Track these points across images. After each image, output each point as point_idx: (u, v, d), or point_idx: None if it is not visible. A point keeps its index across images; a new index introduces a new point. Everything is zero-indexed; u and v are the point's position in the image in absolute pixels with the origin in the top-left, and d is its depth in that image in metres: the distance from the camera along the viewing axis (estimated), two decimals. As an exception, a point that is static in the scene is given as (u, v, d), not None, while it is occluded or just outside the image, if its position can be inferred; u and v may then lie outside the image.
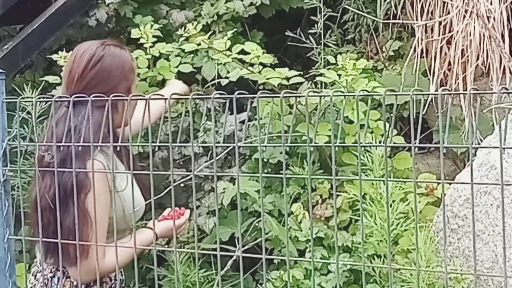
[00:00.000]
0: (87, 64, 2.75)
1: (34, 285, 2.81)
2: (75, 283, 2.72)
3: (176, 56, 4.00)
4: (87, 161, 2.51)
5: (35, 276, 2.83)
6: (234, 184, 3.49)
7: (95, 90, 2.58)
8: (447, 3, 3.92)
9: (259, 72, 3.64)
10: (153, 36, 3.95)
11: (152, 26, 3.97)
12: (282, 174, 2.19)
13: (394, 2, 4.13)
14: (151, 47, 3.90)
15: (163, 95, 2.26)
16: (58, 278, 2.72)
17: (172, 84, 3.69)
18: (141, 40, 3.93)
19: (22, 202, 2.41)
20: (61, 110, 2.69)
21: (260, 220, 3.39)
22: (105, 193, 2.59)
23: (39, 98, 2.41)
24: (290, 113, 3.51)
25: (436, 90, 3.77)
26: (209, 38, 3.79)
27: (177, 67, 3.92)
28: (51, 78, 3.75)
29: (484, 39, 3.76)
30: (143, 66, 3.88)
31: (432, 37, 3.96)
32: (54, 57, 3.82)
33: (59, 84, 3.71)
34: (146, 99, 2.21)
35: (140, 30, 3.95)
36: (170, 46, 3.97)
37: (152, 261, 2.37)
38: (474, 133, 1.88)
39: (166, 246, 3.40)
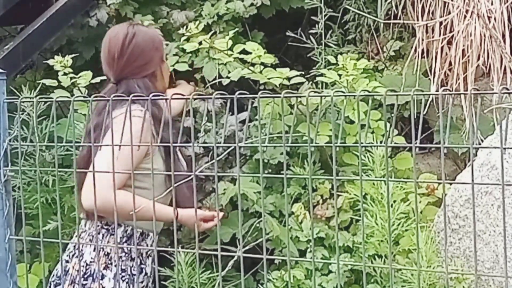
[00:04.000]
0: (123, 42, 3.02)
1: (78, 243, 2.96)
2: (118, 239, 2.91)
3: (174, 55, 3.98)
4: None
5: (80, 235, 3.00)
6: (235, 184, 3.49)
7: (136, 63, 3.01)
8: (448, 3, 3.92)
9: (260, 72, 3.63)
10: None
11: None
12: (283, 174, 2.19)
13: (394, 2, 4.12)
14: None
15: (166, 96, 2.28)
16: (103, 235, 2.94)
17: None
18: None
19: (23, 202, 2.41)
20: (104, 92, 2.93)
21: (261, 221, 3.39)
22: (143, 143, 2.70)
23: (39, 99, 2.41)
24: (291, 113, 3.51)
25: (437, 90, 3.77)
26: (210, 38, 3.78)
27: (173, 65, 3.90)
28: (48, 82, 3.73)
29: (485, 39, 3.75)
30: None
31: (433, 37, 3.96)
32: (51, 62, 3.77)
33: (57, 87, 3.70)
34: (147, 99, 2.21)
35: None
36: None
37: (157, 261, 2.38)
38: (475, 133, 1.88)
39: (169, 246, 3.40)
